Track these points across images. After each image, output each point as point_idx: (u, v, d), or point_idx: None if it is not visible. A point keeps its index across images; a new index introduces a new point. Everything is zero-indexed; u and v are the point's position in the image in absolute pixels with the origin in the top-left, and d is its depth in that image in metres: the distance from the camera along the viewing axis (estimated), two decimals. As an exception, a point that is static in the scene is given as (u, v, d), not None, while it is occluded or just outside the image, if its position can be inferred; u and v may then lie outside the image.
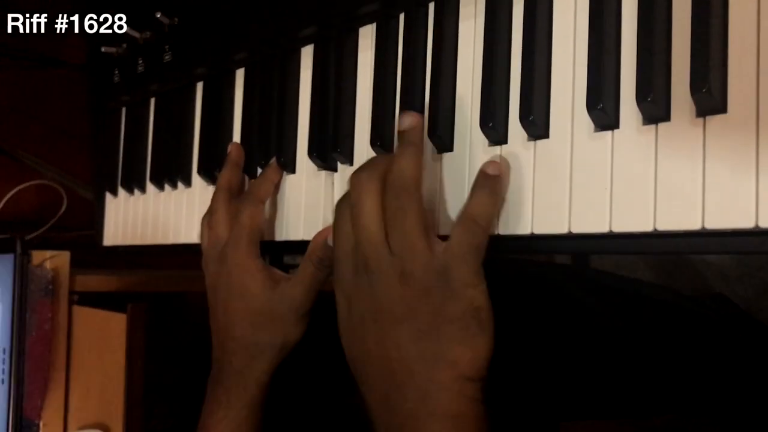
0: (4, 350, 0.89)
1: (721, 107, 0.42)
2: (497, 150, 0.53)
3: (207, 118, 0.82)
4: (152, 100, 0.91)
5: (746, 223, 0.40)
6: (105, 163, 0.97)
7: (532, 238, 0.51)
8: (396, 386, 0.52)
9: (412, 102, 0.59)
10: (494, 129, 0.53)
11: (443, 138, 0.57)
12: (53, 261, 0.92)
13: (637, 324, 0.83)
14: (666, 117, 0.45)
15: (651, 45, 0.45)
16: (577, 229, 0.48)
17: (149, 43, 0.87)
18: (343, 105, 0.66)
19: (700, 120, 0.43)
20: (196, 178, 0.83)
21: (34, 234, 1.00)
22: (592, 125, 0.48)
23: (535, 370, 0.78)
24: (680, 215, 0.43)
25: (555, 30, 0.51)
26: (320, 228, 0.66)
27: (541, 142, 0.51)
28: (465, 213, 0.51)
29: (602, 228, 0.47)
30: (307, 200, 0.69)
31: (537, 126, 0.51)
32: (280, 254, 0.82)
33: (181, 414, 0.95)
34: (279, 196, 0.72)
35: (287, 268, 0.72)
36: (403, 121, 0.56)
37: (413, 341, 0.51)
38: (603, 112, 0.47)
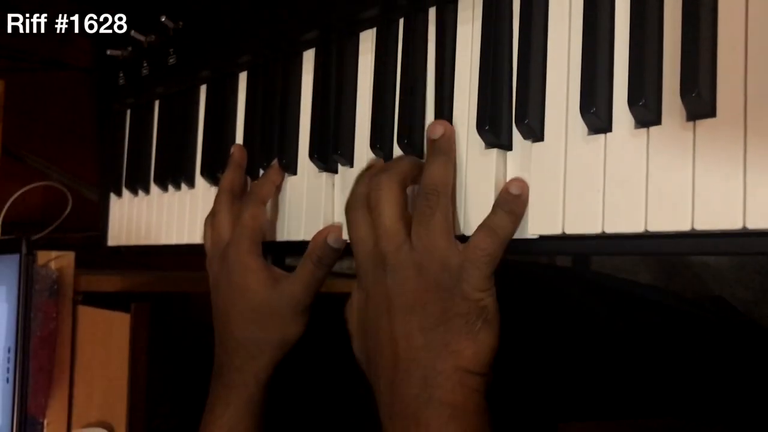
0: (9, 349, 0.89)
1: (710, 111, 0.43)
2: (493, 153, 0.54)
3: (210, 120, 0.83)
4: (156, 103, 0.92)
5: (734, 224, 0.41)
6: (110, 165, 0.98)
7: (528, 239, 0.52)
8: (401, 374, 0.53)
9: (411, 106, 0.60)
10: (490, 132, 0.54)
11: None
12: (58, 261, 0.93)
13: (636, 326, 0.83)
14: (657, 121, 0.45)
15: (642, 51, 0.46)
16: (570, 230, 0.49)
17: (154, 47, 0.88)
18: (343, 108, 0.67)
19: (690, 124, 0.44)
20: (199, 180, 0.84)
21: (40, 235, 1.00)
22: (585, 128, 0.49)
23: (533, 371, 0.78)
24: (671, 217, 0.44)
25: (550, 35, 0.52)
26: (321, 228, 0.67)
27: (536, 145, 0.52)
28: (487, 222, 0.53)
29: (595, 229, 0.48)
30: (308, 201, 0.70)
31: (532, 129, 0.52)
32: (282, 255, 0.83)
33: (184, 413, 0.96)
34: (281, 197, 0.73)
35: (289, 270, 0.72)
36: (434, 130, 0.56)
37: (421, 331, 0.53)
38: (596, 116, 0.48)
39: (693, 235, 0.44)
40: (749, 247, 0.42)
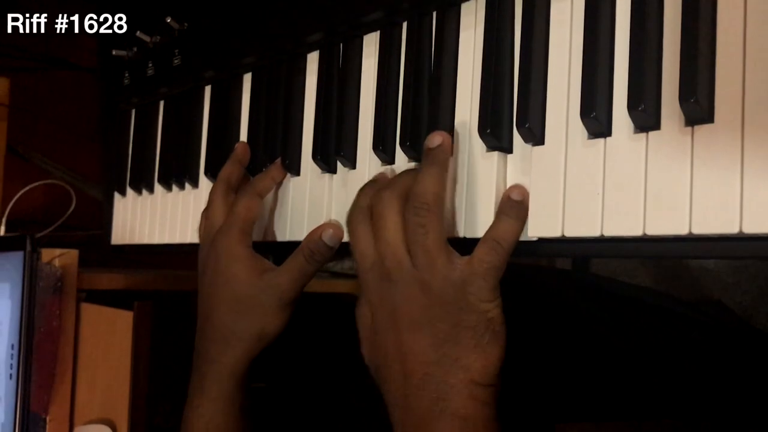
0: (12, 346, 0.90)
1: (708, 117, 0.44)
2: (494, 156, 0.55)
3: (214, 120, 0.84)
4: (161, 103, 0.93)
5: (731, 228, 0.42)
6: (114, 164, 0.99)
7: (527, 241, 0.53)
8: (413, 387, 0.54)
9: (413, 108, 0.61)
10: (492, 136, 0.54)
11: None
12: (62, 259, 0.93)
13: (634, 328, 0.84)
14: (656, 126, 0.46)
15: (642, 57, 0.46)
16: (570, 233, 0.50)
17: (159, 47, 0.88)
18: (346, 110, 0.67)
19: (689, 129, 0.44)
20: (203, 179, 0.84)
21: (44, 232, 1.01)
22: (585, 133, 0.50)
23: (532, 371, 0.79)
24: (669, 221, 0.45)
25: (551, 40, 0.53)
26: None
27: (537, 149, 0.53)
28: (490, 234, 0.53)
29: (594, 232, 0.48)
30: (310, 202, 0.71)
31: (533, 133, 0.52)
32: (284, 255, 0.84)
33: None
34: (283, 197, 0.74)
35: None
36: (432, 140, 0.57)
37: (431, 347, 0.54)
38: (596, 121, 0.48)
39: (690, 239, 0.45)
40: (745, 251, 0.43)
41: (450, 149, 0.57)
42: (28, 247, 0.90)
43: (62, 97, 1.29)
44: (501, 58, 0.55)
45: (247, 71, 0.80)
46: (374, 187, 0.60)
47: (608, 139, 0.49)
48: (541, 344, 0.80)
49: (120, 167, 0.97)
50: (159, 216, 0.90)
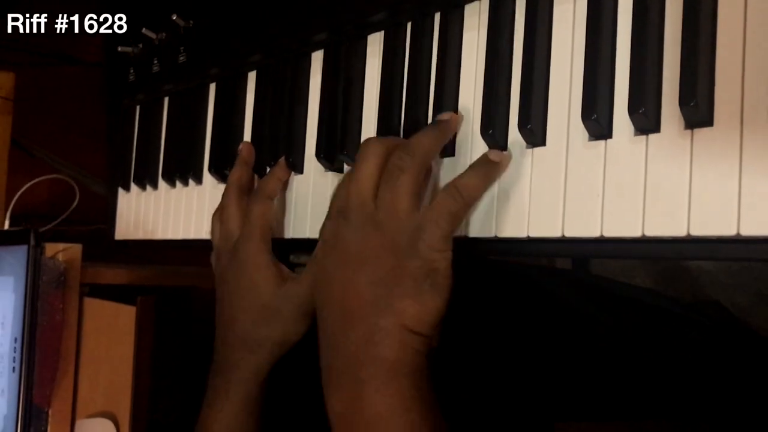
0: (15, 339, 0.90)
1: (707, 120, 0.44)
2: (497, 156, 0.55)
3: (219, 118, 0.84)
4: (166, 100, 0.93)
5: (728, 231, 0.43)
6: (118, 159, 0.99)
7: (528, 241, 0.54)
8: (345, 328, 0.54)
9: (416, 108, 0.62)
10: (494, 136, 0.55)
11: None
12: (65, 253, 0.93)
13: (632, 328, 0.84)
14: (656, 128, 0.47)
15: (643, 60, 0.47)
16: (570, 234, 0.50)
17: (164, 44, 0.89)
18: (350, 108, 0.68)
19: (688, 132, 0.45)
20: (207, 176, 0.85)
21: (47, 227, 1.01)
22: (586, 134, 0.50)
23: (531, 371, 0.79)
24: (667, 222, 0.45)
25: (553, 43, 0.54)
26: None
27: (538, 150, 0.53)
28: (454, 182, 0.54)
29: (594, 233, 0.49)
30: (314, 200, 0.71)
31: (535, 134, 0.53)
32: (287, 252, 0.84)
33: (184, 407, 0.97)
34: (288, 195, 0.74)
35: (293, 267, 0.73)
36: (443, 114, 0.58)
37: (369, 286, 0.54)
38: (597, 123, 0.49)
39: (689, 241, 0.45)
40: (743, 253, 0.44)
41: (456, 127, 0.58)
42: (32, 242, 0.90)
43: (67, 92, 1.30)
44: (504, 59, 0.56)
45: (252, 69, 0.81)
46: None
47: (609, 141, 0.49)
48: (540, 344, 0.80)
49: (124, 163, 0.98)
50: (163, 212, 0.91)
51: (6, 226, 1.02)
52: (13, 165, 1.18)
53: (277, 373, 0.70)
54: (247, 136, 0.80)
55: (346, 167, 0.69)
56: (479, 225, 0.56)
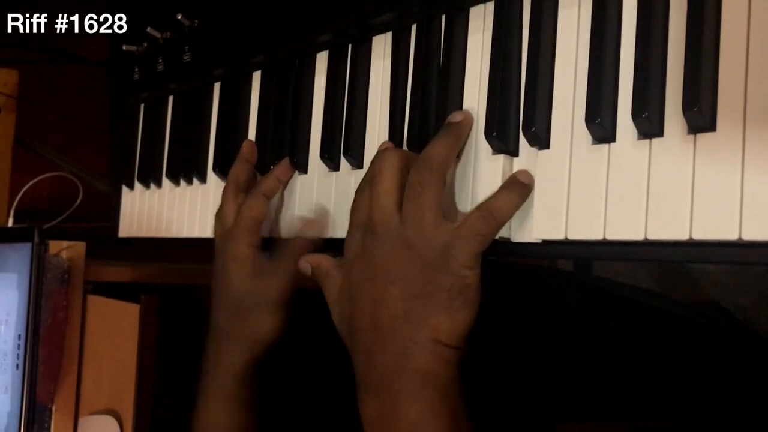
0: (19, 336, 0.91)
1: (710, 126, 0.44)
2: (500, 158, 0.56)
3: (223, 117, 0.84)
4: (170, 98, 0.93)
5: (730, 235, 0.43)
6: (123, 158, 0.99)
7: (531, 242, 0.54)
8: (379, 342, 0.55)
9: (421, 110, 0.62)
10: (498, 139, 0.55)
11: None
12: (69, 251, 0.93)
13: (634, 330, 0.84)
14: (659, 133, 0.47)
15: (647, 65, 0.47)
16: (573, 236, 0.51)
17: (169, 44, 0.89)
18: (355, 110, 0.68)
19: (691, 137, 0.45)
20: (211, 175, 0.85)
21: (50, 224, 1.02)
22: (590, 138, 0.51)
23: (532, 371, 0.80)
24: (670, 226, 0.45)
25: (558, 47, 0.54)
26: (330, 227, 0.69)
27: (542, 152, 0.54)
28: (486, 204, 0.54)
29: (597, 235, 0.49)
30: (317, 200, 0.71)
31: (539, 137, 0.53)
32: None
33: (187, 405, 0.97)
34: (291, 195, 0.74)
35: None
36: (455, 115, 0.58)
37: (402, 301, 0.54)
38: (601, 126, 0.49)
39: (691, 244, 0.45)
40: (744, 257, 0.44)
41: (470, 127, 0.58)
42: (36, 239, 0.90)
43: (71, 90, 1.30)
44: (508, 62, 0.56)
45: (256, 69, 0.81)
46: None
47: (612, 144, 0.49)
48: (541, 344, 0.80)
49: (128, 161, 0.98)
50: (166, 210, 0.91)
51: (10, 223, 1.03)
52: (17, 162, 1.18)
53: (277, 372, 0.71)
54: (252, 135, 0.80)
55: (349, 167, 0.69)
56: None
